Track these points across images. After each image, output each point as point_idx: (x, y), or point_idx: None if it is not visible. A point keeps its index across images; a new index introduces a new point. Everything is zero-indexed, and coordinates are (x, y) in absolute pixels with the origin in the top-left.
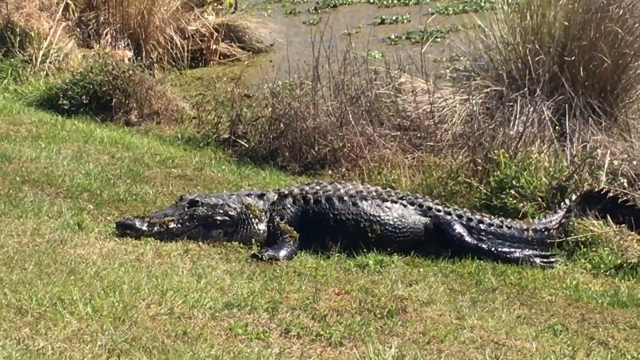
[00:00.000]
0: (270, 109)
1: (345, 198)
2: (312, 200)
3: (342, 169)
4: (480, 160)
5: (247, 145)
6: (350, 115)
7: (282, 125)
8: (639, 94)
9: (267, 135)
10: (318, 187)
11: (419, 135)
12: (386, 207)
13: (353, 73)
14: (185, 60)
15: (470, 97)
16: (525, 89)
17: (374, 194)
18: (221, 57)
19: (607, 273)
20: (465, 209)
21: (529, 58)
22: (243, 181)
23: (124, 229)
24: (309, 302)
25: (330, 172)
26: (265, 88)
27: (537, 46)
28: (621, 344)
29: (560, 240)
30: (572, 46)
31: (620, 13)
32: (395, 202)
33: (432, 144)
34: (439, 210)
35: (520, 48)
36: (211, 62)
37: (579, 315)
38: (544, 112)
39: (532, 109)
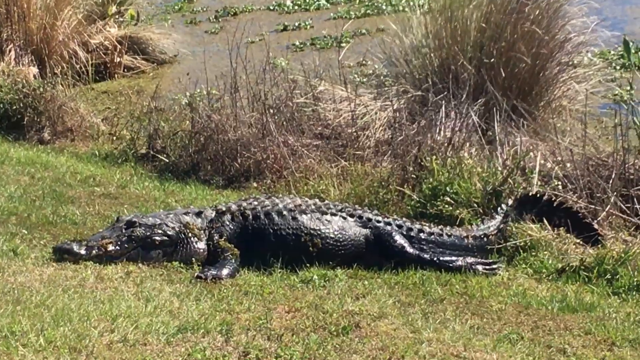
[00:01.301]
0: (188, 122)
1: (285, 212)
2: (250, 216)
3: (267, 180)
4: (411, 168)
5: (167, 160)
6: (272, 126)
7: (202, 138)
8: (556, 93)
9: (187, 149)
10: (256, 203)
11: (340, 143)
12: (326, 220)
13: (272, 83)
14: (90, 74)
15: (392, 102)
16: (446, 92)
17: (313, 207)
18: (125, 70)
19: (550, 277)
20: (404, 219)
21: (450, 62)
22: (169, 197)
23: (62, 254)
24: (262, 322)
25: (255, 184)
26: (182, 100)
27: (455, 48)
28: (579, 350)
29: (500, 245)
30: (490, 48)
31: (536, 13)
32: (335, 215)
33: (355, 152)
34: (378, 222)
35: (441, 51)
36: (116, 75)
37: (532, 323)
38: (470, 116)
39: (458, 113)
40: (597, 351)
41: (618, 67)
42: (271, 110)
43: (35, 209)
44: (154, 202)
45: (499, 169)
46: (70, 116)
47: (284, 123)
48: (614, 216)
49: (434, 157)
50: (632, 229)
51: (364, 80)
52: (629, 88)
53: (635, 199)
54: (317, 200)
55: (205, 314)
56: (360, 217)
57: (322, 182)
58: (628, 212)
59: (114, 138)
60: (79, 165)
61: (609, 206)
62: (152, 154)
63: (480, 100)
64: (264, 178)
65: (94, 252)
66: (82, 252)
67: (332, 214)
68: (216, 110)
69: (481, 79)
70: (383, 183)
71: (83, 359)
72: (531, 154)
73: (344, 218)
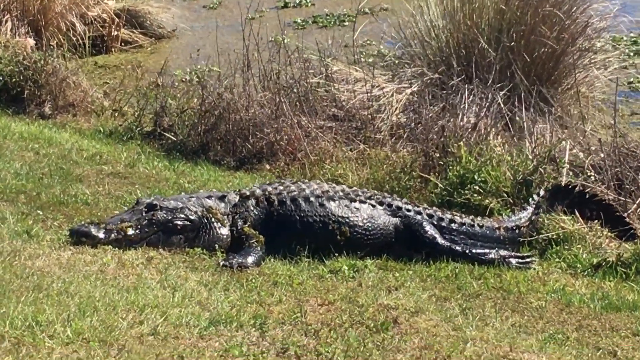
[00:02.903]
0: (197, 100)
1: (312, 199)
2: (276, 202)
3: (281, 163)
4: (437, 154)
5: (174, 139)
6: (286, 106)
7: (212, 117)
8: (574, 79)
9: (196, 128)
10: (281, 187)
11: (354, 125)
12: (354, 207)
13: (286, 62)
14: (87, 48)
15: (410, 85)
16: (464, 76)
17: (341, 193)
18: (122, 44)
19: (586, 273)
20: (434, 208)
21: (468, 44)
22: (180, 178)
23: (79, 237)
24: (297, 316)
25: (268, 166)
26: (185, 76)
27: (474, 30)
28: (630, 353)
29: (532, 238)
30: (510, 31)
31: None
32: (364, 202)
33: (371, 135)
34: (409, 210)
35: (458, 33)
36: (113, 49)
37: (576, 322)
38: (497, 102)
39: (484, 98)
40: None
41: (632, 54)
42: (288, 91)
43: (43, 187)
44: (166, 183)
45: (529, 157)
46: (72, 90)
47: (297, 104)
48: None
49: (462, 143)
50: None
51: (370, 60)
52: None
53: None
54: (344, 186)
55: (237, 305)
56: (389, 205)
57: (340, 166)
58: None
59: (117, 114)
60: (84, 142)
61: (639, 199)
62: (159, 132)
63: (504, 84)
64: (277, 160)
65: (112, 235)
66: (101, 235)
67: (361, 202)
68: (228, 89)
69: (504, 62)
70: (405, 169)
71: (115, 353)
72: (564, 142)
73: (373, 206)
